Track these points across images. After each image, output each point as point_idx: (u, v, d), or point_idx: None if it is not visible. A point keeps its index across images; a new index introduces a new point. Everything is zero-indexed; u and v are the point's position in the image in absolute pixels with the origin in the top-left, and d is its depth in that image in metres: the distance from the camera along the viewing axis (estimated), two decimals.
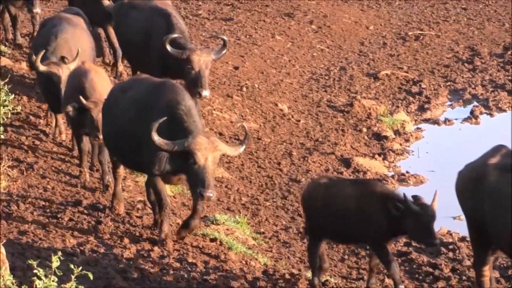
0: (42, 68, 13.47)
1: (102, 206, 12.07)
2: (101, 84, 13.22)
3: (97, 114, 12.05)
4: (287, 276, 10.06)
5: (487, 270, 10.08)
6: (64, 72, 13.75)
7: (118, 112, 11.55)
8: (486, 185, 9.90)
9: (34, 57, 13.94)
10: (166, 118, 10.58)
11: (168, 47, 13.67)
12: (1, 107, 12.21)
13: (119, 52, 17.19)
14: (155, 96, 11.52)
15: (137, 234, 11.42)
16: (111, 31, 17.15)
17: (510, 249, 9.82)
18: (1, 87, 12.30)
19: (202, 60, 13.78)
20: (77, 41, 14.94)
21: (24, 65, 17.66)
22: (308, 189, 10.77)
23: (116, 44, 17.13)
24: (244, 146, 11.24)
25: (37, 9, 17.82)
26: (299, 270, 10.59)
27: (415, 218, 9.59)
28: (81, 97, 12.40)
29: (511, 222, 9.44)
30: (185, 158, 10.56)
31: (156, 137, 10.37)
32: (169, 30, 14.11)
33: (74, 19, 15.96)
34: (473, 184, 10.02)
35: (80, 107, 12.41)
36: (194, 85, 13.62)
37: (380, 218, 9.88)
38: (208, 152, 10.57)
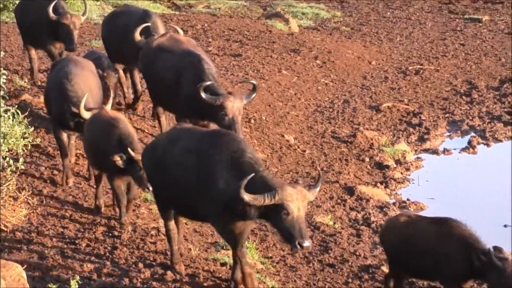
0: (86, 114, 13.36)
1: (117, 233, 12.04)
2: (134, 133, 13.32)
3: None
4: None
5: None
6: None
7: (171, 163, 11.16)
8: None
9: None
10: (253, 175, 10.16)
11: (203, 94, 13.56)
12: (22, 139, 12.23)
13: (140, 93, 17.23)
14: (215, 146, 10.87)
15: (151, 259, 11.40)
16: (136, 71, 16.98)
17: None
18: (21, 120, 12.24)
19: (235, 106, 13.62)
20: (86, 84, 14.62)
21: (42, 99, 18.67)
22: (387, 226, 11.01)
23: (139, 86, 17.12)
24: (318, 189, 10.67)
25: (74, 46, 17.68)
26: None
27: (498, 274, 9.55)
28: (129, 149, 12.27)
29: None
30: (274, 211, 10.11)
31: (245, 195, 9.96)
32: (201, 76, 13.94)
33: (83, 62, 15.55)
34: None
35: (128, 158, 12.20)
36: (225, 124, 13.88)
37: (459, 260, 9.88)
38: (300, 202, 10.20)
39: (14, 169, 12.88)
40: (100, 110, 13.53)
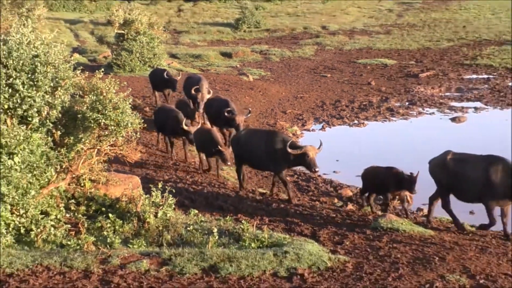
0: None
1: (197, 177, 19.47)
2: (219, 136, 20.81)
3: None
4: None
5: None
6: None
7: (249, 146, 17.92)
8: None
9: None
10: (291, 140, 17.32)
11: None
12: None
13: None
14: (274, 137, 17.61)
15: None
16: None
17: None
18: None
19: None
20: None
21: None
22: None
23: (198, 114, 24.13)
24: (321, 147, 17.38)
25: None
26: None
27: None
28: (219, 146, 18.98)
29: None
30: (301, 157, 16.92)
31: (290, 150, 16.81)
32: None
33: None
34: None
35: (217, 149, 19.00)
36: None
37: None
38: (313, 152, 17.03)
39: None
40: (201, 125, 20.65)
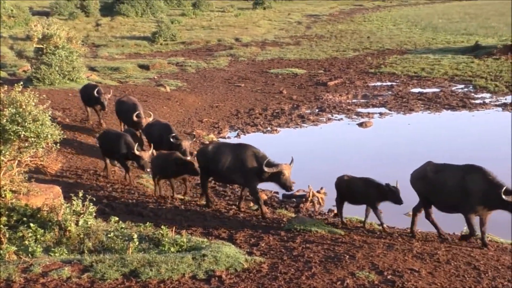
0: None
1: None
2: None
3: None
4: None
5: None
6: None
7: (219, 159, 17.08)
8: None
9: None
10: (268, 159, 16.25)
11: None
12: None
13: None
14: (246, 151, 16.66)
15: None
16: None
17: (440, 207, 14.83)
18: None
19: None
20: None
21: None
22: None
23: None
24: (292, 164, 16.55)
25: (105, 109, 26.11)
26: None
27: None
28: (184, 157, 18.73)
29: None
30: (276, 175, 16.19)
31: (266, 168, 16.12)
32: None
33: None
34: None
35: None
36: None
37: None
38: (288, 170, 16.30)
39: None
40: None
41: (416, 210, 15.27)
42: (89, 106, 26.89)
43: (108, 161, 20.56)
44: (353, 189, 15.88)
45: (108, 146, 20.18)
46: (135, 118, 22.66)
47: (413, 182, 15.05)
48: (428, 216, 15.22)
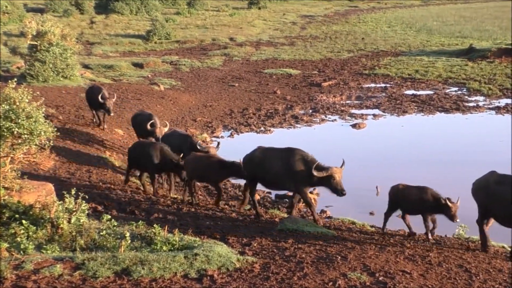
0: None
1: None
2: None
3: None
4: None
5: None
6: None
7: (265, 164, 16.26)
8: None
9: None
10: (317, 163, 15.41)
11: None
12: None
13: None
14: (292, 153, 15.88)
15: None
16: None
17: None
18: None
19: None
20: None
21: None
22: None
23: None
24: (343, 167, 15.73)
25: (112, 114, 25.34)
26: None
27: None
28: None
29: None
30: (327, 179, 15.26)
31: (316, 172, 15.23)
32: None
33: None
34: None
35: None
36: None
37: None
38: (339, 173, 15.43)
39: None
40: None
41: (480, 223, 14.07)
42: (94, 110, 26.30)
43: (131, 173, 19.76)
44: (408, 199, 14.97)
45: (143, 158, 18.66)
46: (148, 127, 21.44)
47: (474, 192, 14.05)
48: (480, 222, 14.16)
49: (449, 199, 14.15)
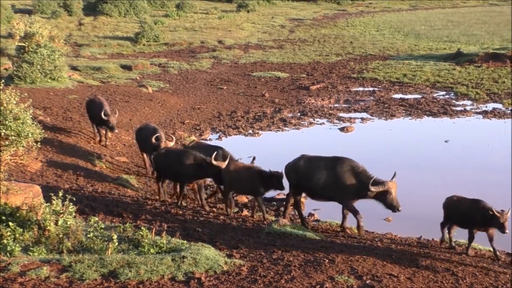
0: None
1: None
2: None
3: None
4: None
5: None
6: None
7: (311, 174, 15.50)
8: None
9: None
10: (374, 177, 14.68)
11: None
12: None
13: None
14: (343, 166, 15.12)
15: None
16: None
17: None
18: None
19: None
20: None
21: None
22: None
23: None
24: (395, 179, 15.14)
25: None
26: None
27: None
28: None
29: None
30: (382, 194, 14.48)
31: (373, 188, 14.43)
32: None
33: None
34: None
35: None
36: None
37: None
38: (394, 188, 14.72)
39: None
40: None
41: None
42: (95, 124, 24.59)
43: (162, 184, 19.00)
44: (461, 211, 14.23)
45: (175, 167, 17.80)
46: (153, 141, 20.37)
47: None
48: None
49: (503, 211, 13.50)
